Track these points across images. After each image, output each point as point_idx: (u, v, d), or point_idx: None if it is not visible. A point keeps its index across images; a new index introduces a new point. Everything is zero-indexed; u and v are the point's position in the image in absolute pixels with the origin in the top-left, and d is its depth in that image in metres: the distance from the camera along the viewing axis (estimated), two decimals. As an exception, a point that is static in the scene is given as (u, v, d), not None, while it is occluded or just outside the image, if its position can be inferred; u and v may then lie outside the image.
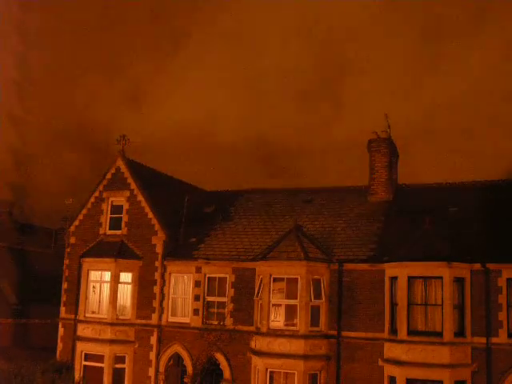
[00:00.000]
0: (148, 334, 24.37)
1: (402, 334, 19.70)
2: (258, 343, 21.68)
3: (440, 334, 19.30)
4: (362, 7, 63.30)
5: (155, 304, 24.46)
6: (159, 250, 24.84)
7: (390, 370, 20.02)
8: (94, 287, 25.33)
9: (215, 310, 23.59)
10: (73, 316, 25.74)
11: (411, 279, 19.91)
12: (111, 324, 24.32)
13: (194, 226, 26.42)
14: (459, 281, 19.77)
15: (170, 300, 24.46)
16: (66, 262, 26.70)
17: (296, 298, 21.23)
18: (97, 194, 26.51)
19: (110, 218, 26.03)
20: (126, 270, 24.89)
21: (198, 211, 27.76)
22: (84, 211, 26.67)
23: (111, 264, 24.67)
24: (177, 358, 24.53)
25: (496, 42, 62.40)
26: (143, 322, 24.53)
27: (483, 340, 19.50)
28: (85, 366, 24.65)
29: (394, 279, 20.46)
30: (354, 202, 25.31)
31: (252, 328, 22.38)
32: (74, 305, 25.73)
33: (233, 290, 23.30)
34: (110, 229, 25.94)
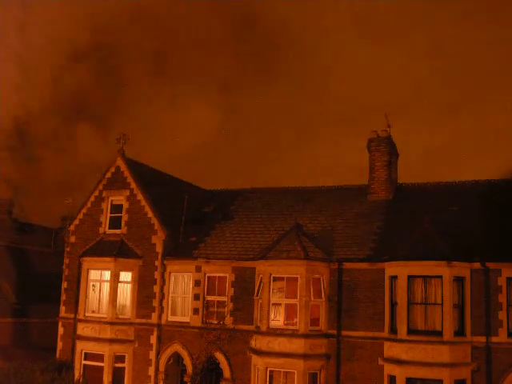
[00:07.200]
0: (148, 333, 24.36)
1: (402, 333, 19.70)
2: (257, 342, 21.68)
3: (440, 334, 19.30)
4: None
5: (155, 303, 24.45)
6: (159, 249, 24.83)
7: (389, 369, 20.01)
8: (93, 286, 25.31)
9: (215, 310, 23.58)
10: (72, 315, 25.75)
11: (411, 278, 19.89)
12: (111, 323, 24.31)
13: (193, 225, 26.41)
14: (459, 280, 19.76)
15: (170, 299, 24.46)
16: (66, 261, 26.69)
17: (296, 298, 21.21)
18: (96, 193, 26.50)
19: (110, 218, 26.03)
20: (126, 269, 24.88)
21: (197, 210, 27.76)
22: (84, 210, 26.67)
23: (111, 263, 24.66)
24: (177, 358, 24.53)
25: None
26: (143, 321, 24.51)
27: (483, 339, 19.50)
28: (84, 365, 24.64)
29: (393, 278, 20.45)
30: (354, 201, 25.32)
31: (252, 327, 22.37)
32: (74, 304, 25.73)
33: (233, 289, 23.29)
34: (109, 228, 25.93)
